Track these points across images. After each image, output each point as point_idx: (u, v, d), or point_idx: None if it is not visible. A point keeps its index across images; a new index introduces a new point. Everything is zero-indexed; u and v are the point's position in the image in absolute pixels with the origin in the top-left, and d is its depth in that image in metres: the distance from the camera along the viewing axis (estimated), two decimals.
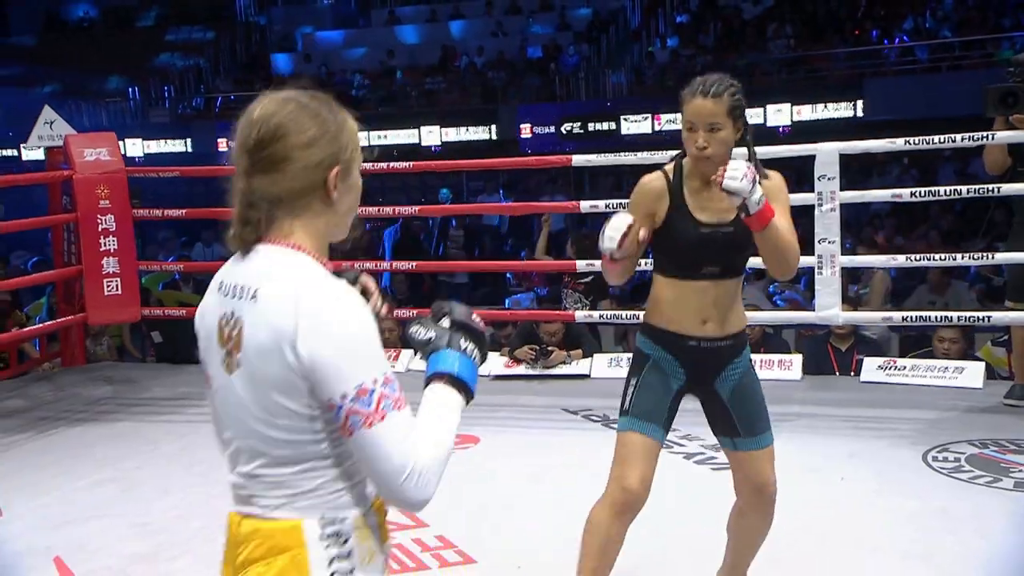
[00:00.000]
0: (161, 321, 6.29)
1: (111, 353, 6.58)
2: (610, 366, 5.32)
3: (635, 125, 16.44)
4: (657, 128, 16.16)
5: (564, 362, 5.37)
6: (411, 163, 5.49)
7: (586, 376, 5.30)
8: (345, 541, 1.42)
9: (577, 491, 3.68)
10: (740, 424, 2.56)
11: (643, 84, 17.28)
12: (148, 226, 5.83)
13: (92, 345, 6.33)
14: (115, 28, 23.01)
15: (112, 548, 3.36)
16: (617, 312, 5.18)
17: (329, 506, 1.41)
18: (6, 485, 4.01)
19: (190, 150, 18.60)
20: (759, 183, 2.32)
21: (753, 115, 15.26)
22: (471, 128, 17.24)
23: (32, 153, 17.63)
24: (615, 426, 4.37)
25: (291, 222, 1.43)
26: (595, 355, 5.41)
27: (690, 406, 4.60)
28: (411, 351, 5.69)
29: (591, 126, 16.65)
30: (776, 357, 5.18)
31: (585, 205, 4.89)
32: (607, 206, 4.97)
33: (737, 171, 2.27)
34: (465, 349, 1.49)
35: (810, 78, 16.34)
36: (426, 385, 1.48)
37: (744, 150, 2.50)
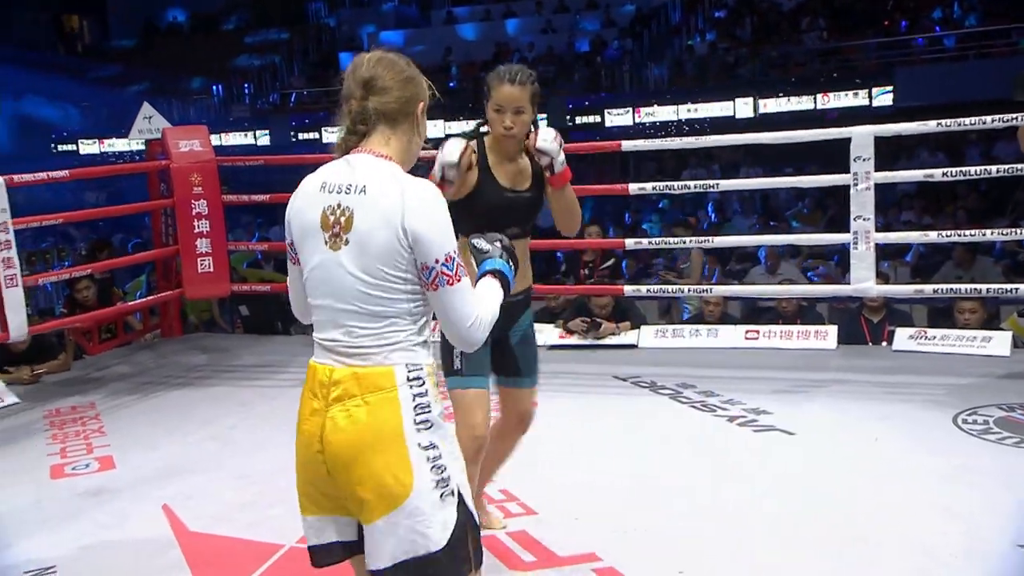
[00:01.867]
0: (247, 296, 6.42)
1: (203, 326, 6.74)
2: (656, 336, 5.32)
3: (671, 113, 16.27)
4: (687, 116, 15.99)
5: (614, 333, 5.38)
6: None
7: (634, 346, 5.30)
8: (423, 383, 1.76)
9: (627, 449, 3.74)
10: (521, 365, 2.81)
11: (683, 76, 17.07)
12: (231, 211, 5.93)
13: (192, 315, 6.48)
14: (201, 32, 23.37)
15: (215, 497, 3.45)
16: (663, 287, 5.16)
17: (410, 356, 1.76)
18: (119, 441, 4.15)
19: (267, 142, 18.85)
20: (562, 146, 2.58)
21: (796, 103, 15.18)
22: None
23: (114, 146, 18.07)
24: (662, 391, 4.45)
25: (389, 134, 1.83)
26: (642, 327, 5.41)
27: (726, 374, 4.62)
28: None
29: (631, 115, 16.50)
30: (812, 328, 5.13)
31: (634, 187, 4.88)
32: (653, 188, 4.96)
33: (548, 134, 2.58)
34: (508, 262, 1.96)
35: (843, 67, 15.99)
36: (480, 277, 1.91)
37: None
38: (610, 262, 6.47)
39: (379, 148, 1.82)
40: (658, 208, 12.69)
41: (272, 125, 19.08)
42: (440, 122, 16.79)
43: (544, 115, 17.01)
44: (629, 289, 5.13)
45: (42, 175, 4.95)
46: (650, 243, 4.97)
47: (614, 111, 16.47)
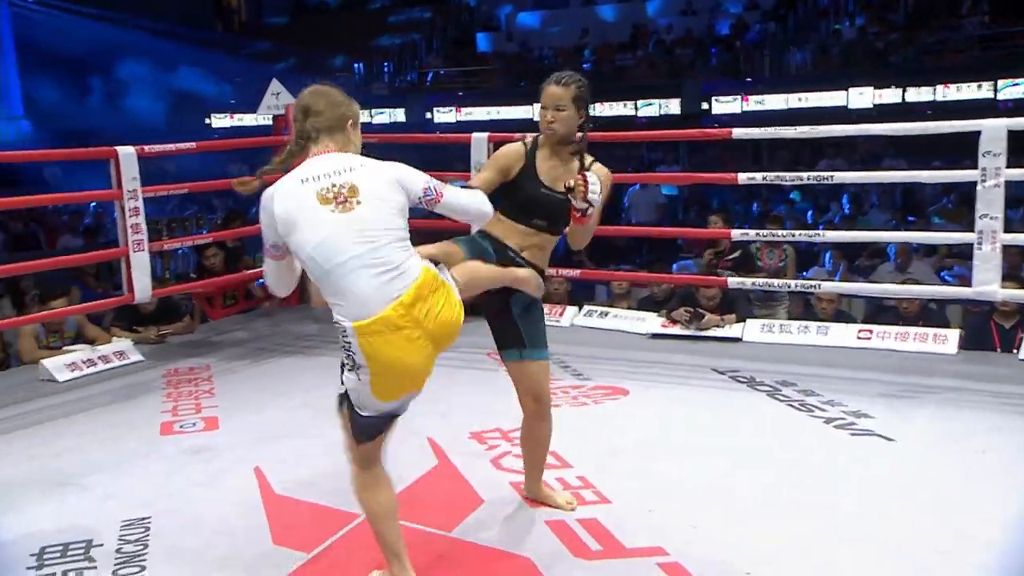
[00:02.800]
0: None
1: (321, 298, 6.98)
2: (762, 331, 5.16)
3: (820, 100, 15.59)
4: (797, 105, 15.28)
5: (718, 325, 5.25)
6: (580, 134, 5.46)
7: (738, 340, 5.16)
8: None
9: (714, 444, 3.66)
10: (525, 337, 2.91)
11: (828, 61, 16.34)
12: None
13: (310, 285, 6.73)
14: (346, 10, 24.11)
15: (305, 463, 3.59)
16: (769, 280, 4.98)
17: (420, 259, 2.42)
18: (226, 403, 4.38)
19: (403, 119, 19.28)
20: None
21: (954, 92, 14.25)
22: (656, 102, 16.86)
23: (260, 121, 18.86)
24: (760, 388, 4.33)
25: (328, 142, 2.44)
26: (748, 320, 5.26)
27: (831, 373, 4.43)
28: (575, 308, 5.76)
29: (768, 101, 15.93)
30: (931, 331, 4.85)
31: (743, 177, 4.72)
32: (764, 178, 4.79)
33: (595, 186, 2.72)
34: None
35: (1012, 54, 14.89)
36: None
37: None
38: (736, 254, 6.26)
39: (329, 148, 2.43)
40: (788, 199, 12.25)
41: (409, 103, 19.50)
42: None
43: (678, 98, 16.72)
44: (733, 281, 4.99)
45: (170, 146, 5.25)
46: (757, 235, 4.80)
47: (722, 98, 15.93)
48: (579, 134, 2.91)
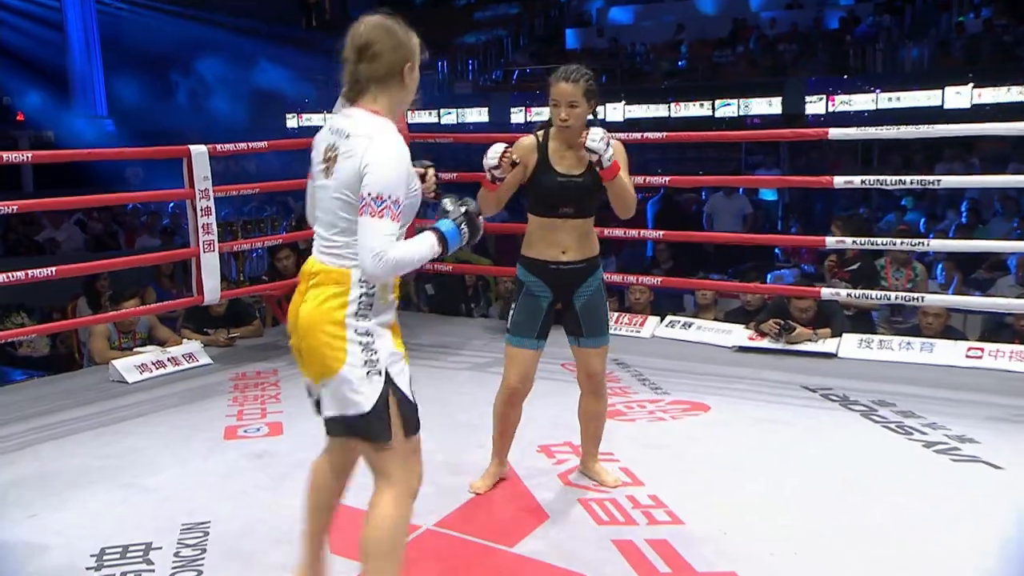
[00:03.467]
0: (434, 275, 6.71)
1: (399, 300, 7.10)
2: (859, 347, 5.05)
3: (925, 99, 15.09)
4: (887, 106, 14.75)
5: (810, 339, 5.15)
6: (664, 134, 5.44)
7: (833, 355, 5.05)
8: (372, 293, 2.29)
9: (799, 467, 3.60)
10: (585, 327, 3.29)
11: (949, 56, 15.80)
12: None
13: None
14: (432, 7, 24.48)
15: (366, 470, 3.68)
16: (864, 292, 4.86)
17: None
18: (291, 408, 4.50)
19: (487, 119, 19.46)
20: (610, 144, 3.03)
21: None
22: (756, 101, 16.57)
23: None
24: (854, 407, 4.25)
25: (377, 93, 2.32)
26: (844, 335, 5.14)
27: (934, 394, 4.30)
28: (657, 318, 5.74)
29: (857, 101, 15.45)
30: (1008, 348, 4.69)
31: (839, 180, 4.62)
32: (863, 182, 4.69)
33: (596, 135, 3.02)
34: (461, 228, 2.41)
35: None
36: (426, 229, 2.37)
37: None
38: (855, 266, 6.12)
39: (370, 105, 2.32)
40: (899, 206, 11.90)
41: (493, 103, 19.67)
42: (662, 106, 16.57)
43: (779, 97, 16.41)
44: (827, 292, 4.88)
45: (242, 145, 5.44)
46: (854, 243, 4.69)
47: (812, 98, 15.51)
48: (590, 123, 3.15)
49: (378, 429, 2.31)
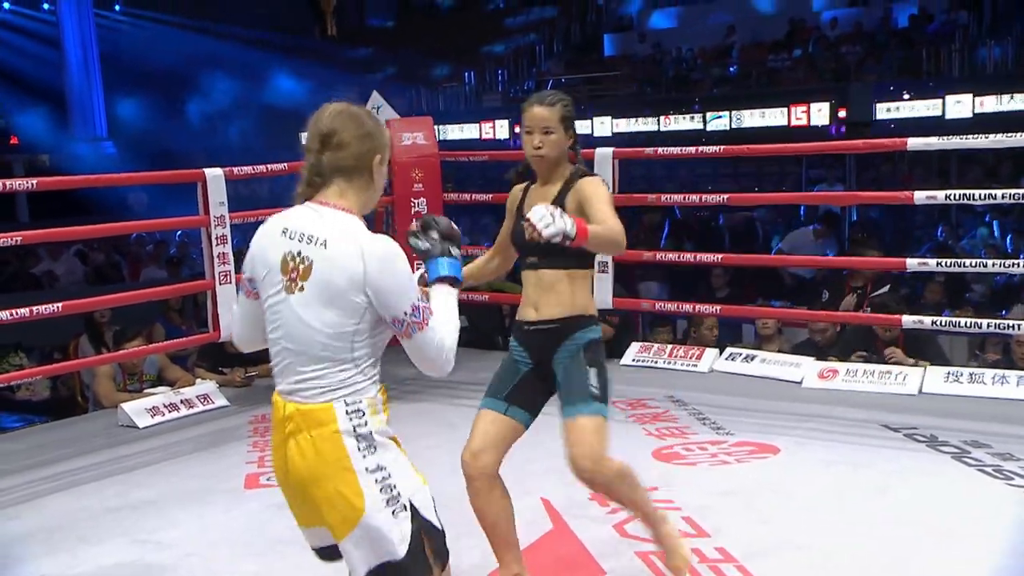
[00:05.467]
0: (467, 305, 6.74)
1: None
2: (947, 381, 5.00)
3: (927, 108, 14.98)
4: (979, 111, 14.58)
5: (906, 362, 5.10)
6: (721, 147, 5.46)
7: (916, 392, 5.01)
8: (362, 415, 2.16)
9: (885, 516, 3.56)
10: (562, 396, 3.00)
11: None
12: (454, 210, 6.25)
13: None
14: (458, 13, 24.71)
15: None
16: (953, 320, 4.82)
17: (350, 393, 2.15)
18: None
19: (518, 133, 19.56)
20: (560, 212, 2.64)
21: None
22: (813, 106, 16.49)
23: None
24: (943, 448, 4.21)
25: (344, 187, 2.20)
26: (928, 368, 5.10)
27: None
28: (715, 351, 5.72)
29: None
30: None
31: (920, 196, 4.60)
32: (947, 197, 4.67)
33: (543, 218, 2.61)
34: (453, 254, 2.32)
35: None
36: (430, 284, 2.30)
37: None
38: (884, 288, 6.11)
39: (336, 200, 2.20)
40: (985, 222, 11.78)
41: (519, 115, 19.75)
42: (725, 114, 16.53)
43: (842, 105, 16.35)
44: (908, 320, 4.85)
45: (261, 167, 5.53)
46: (938, 264, 4.67)
47: (894, 104, 15.43)
48: (572, 155, 3.04)
49: (416, 574, 2.20)
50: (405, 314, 2.13)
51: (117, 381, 5.49)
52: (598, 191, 2.98)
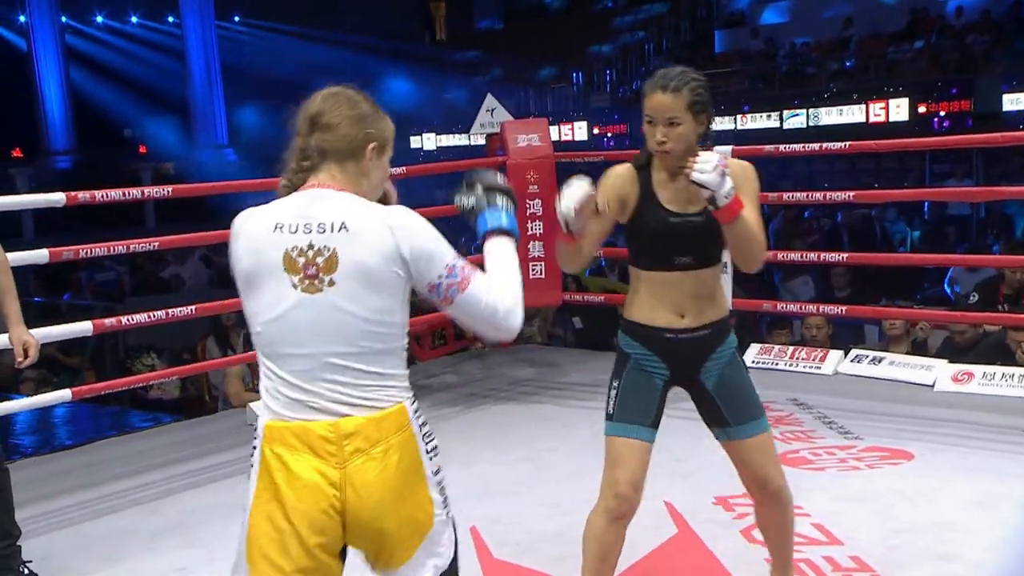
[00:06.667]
0: (582, 307, 6.72)
1: (542, 334, 7.17)
2: None
3: None
4: None
5: None
6: (847, 143, 5.30)
7: None
8: (421, 415, 2.00)
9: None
10: (729, 414, 2.66)
11: None
12: None
13: (524, 326, 6.96)
14: (566, 14, 24.70)
15: (523, 524, 3.69)
16: None
17: (407, 389, 1.98)
18: (443, 455, 4.58)
19: (628, 132, 19.46)
20: (727, 174, 2.41)
21: None
22: (892, 103, 15.94)
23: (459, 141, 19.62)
24: None
25: (335, 172, 1.99)
26: None
27: None
28: (839, 352, 5.57)
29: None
30: None
31: None
32: None
33: (707, 163, 2.39)
34: (502, 205, 2.11)
35: None
36: (483, 241, 2.09)
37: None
38: None
39: (330, 183, 1.98)
40: None
41: (633, 116, 19.65)
42: (843, 108, 16.11)
43: (970, 97, 15.75)
44: None
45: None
46: None
47: (1016, 93, 14.71)
48: (709, 146, 2.62)
49: (455, 573, 2.08)
50: (440, 277, 1.91)
51: (246, 381, 5.65)
52: (749, 181, 2.62)
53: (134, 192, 4.69)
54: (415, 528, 1.96)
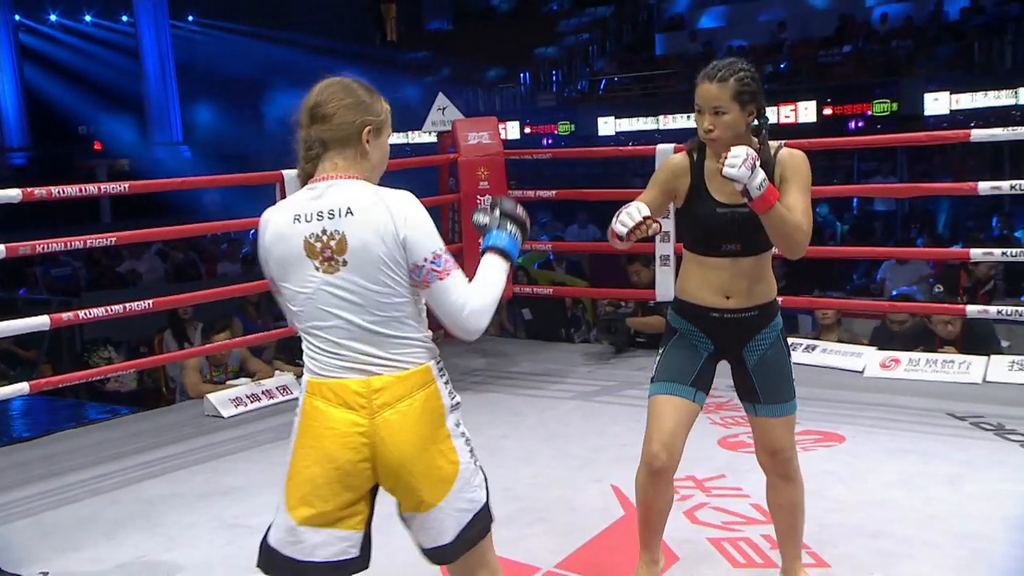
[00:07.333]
0: (532, 299, 6.74)
1: (494, 326, 7.16)
2: (1011, 369, 4.87)
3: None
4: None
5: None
6: (782, 142, 5.34)
7: (980, 381, 4.89)
8: (445, 373, 2.17)
9: (956, 506, 3.48)
10: (762, 391, 2.71)
11: None
12: (532, 208, 6.25)
13: None
14: (514, 16, 24.66)
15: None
16: (1020, 308, 4.70)
17: (432, 350, 2.14)
18: None
19: (574, 131, 19.53)
20: (759, 167, 2.44)
21: None
22: (800, 105, 16.22)
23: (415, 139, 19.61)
24: (1012, 437, 4.11)
25: (337, 159, 2.12)
26: (992, 357, 4.97)
27: None
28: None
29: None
30: None
31: (984, 186, 4.48)
32: (1012, 187, 4.55)
33: (736, 158, 2.41)
34: (510, 231, 2.24)
35: None
36: (482, 253, 2.22)
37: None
38: (989, 285, 5.97)
39: (335, 172, 2.12)
40: None
41: (578, 115, 19.73)
42: (769, 108, 16.29)
43: (894, 99, 16.05)
44: (973, 310, 4.73)
45: None
46: (1003, 254, 4.54)
47: (932, 96, 15.05)
48: (757, 135, 2.64)
49: (490, 513, 2.20)
50: (425, 260, 2.06)
51: (203, 373, 5.58)
52: (800, 171, 2.62)
53: (90, 188, 4.57)
54: (438, 476, 2.10)
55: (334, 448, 2.08)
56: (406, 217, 2.06)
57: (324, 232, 2.06)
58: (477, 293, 2.12)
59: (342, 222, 2.05)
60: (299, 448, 2.14)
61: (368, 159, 2.15)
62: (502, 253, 2.21)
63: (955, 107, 15.25)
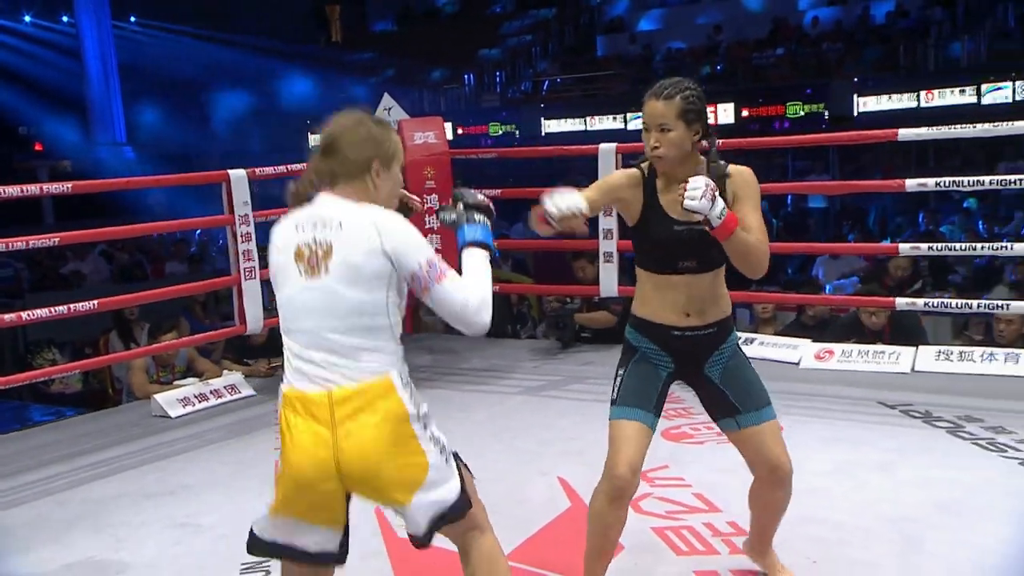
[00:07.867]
0: None
1: (441, 323, 7.14)
2: (937, 359, 4.99)
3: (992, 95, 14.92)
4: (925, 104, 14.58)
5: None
6: (720, 140, 5.42)
7: (908, 371, 5.00)
8: (410, 385, 2.20)
9: (886, 490, 3.56)
10: (737, 401, 2.67)
11: (1008, 52, 15.59)
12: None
13: (425, 315, 6.92)
14: (458, 18, 24.60)
15: None
16: (945, 300, 4.82)
17: (397, 361, 2.19)
18: None
19: (517, 133, 19.56)
20: (718, 196, 2.43)
21: None
22: (720, 106, 16.51)
23: None
24: (938, 424, 4.20)
25: (344, 189, 2.21)
26: (919, 347, 5.09)
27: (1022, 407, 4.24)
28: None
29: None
30: None
31: (911, 183, 4.59)
32: (937, 184, 4.66)
33: (696, 190, 2.40)
34: (479, 221, 2.33)
35: None
36: (461, 251, 2.30)
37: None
38: (917, 285, 6.10)
39: (338, 192, 2.22)
40: (963, 208, 11.80)
41: (522, 116, 19.77)
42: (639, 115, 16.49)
43: (823, 103, 16.34)
44: (901, 302, 4.84)
45: (282, 168, 5.50)
46: (929, 248, 4.65)
47: (865, 97, 15.41)
48: (703, 149, 2.63)
49: (467, 499, 2.28)
50: (420, 266, 2.14)
51: (150, 373, 5.48)
52: (751, 187, 2.62)
53: (32, 188, 4.47)
54: (407, 480, 2.16)
55: (303, 459, 2.14)
56: (391, 232, 2.14)
57: (315, 240, 2.16)
58: (475, 289, 2.21)
59: (332, 234, 2.15)
60: (281, 457, 2.21)
61: (379, 191, 2.23)
62: (480, 245, 2.30)
63: (882, 108, 15.58)
